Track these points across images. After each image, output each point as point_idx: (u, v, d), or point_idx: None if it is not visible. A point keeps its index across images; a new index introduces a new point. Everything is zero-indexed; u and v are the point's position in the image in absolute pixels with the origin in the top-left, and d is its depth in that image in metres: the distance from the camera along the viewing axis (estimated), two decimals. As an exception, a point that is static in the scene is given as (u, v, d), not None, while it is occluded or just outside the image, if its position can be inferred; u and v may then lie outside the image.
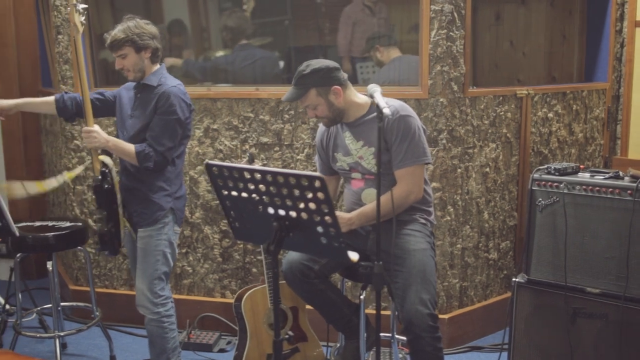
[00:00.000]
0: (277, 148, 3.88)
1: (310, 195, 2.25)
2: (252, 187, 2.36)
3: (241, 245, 4.00)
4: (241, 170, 2.36)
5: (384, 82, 3.92)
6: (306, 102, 2.96)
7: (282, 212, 2.35)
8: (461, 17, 3.59)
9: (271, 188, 2.32)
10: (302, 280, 2.97)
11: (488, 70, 4.71)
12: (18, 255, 3.66)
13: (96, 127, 3.12)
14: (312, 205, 2.27)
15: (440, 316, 3.76)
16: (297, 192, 2.27)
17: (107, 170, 3.13)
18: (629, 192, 3.05)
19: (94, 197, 3.25)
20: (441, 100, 3.62)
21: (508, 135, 3.90)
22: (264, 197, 2.36)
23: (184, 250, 4.09)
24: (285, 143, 3.87)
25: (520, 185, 3.98)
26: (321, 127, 3.17)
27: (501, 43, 4.70)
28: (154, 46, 3.16)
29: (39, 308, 4.06)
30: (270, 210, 2.37)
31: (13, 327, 3.71)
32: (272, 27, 5.10)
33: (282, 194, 2.30)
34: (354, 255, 2.40)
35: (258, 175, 2.33)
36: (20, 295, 3.78)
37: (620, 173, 3.17)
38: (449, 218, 3.74)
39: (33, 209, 4.96)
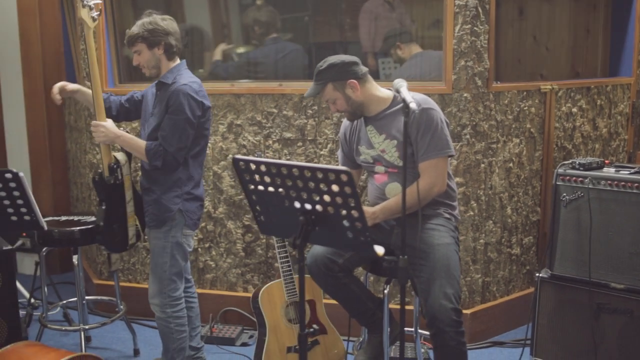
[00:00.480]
0: (300, 143, 3.90)
1: (337, 190, 2.26)
2: (279, 181, 2.37)
3: (264, 240, 4.02)
4: (268, 164, 2.37)
5: (406, 78, 3.92)
6: (325, 96, 3.00)
7: (308, 206, 2.36)
8: (485, 12, 3.58)
9: (298, 182, 2.33)
10: (327, 274, 2.98)
11: (511, 66, 4.69)
12: (44, 249, 3.71)
13: (108, 122, 3.11)
14: (338, 200, 2.28)
15: (463, 311, 3.75)
16: (323, 186, 2.28)
17: (115, 166, 3.13)
18: (655, 187, 3.04)
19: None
20: (465, 95, 3.62)
21: (532, 130, 3.89)
22: (290, 191, 2.37)
23: (207, 245, 4.11)
24: (309, 138, 3.88)
25: (544, 180, 3.97)
26: (345, 121, 3.19)
27: (524, 38, 4.68)
28: (167, 42, 3.12)
29: (64, 302, 4.11)
30: (297, 205, 2.38)
31: (39, 320, 3.76)
32: (293, 23, 5.11)
33: (309, 188, 2.31)
34: (380, 250, 2.41)
35: (285, 170, 2.34)
36: (45, 289, 3.82)
37: (646, 168, 3.16)
38: (472, 213, 3.73)
39: (57, 204, 5.02)
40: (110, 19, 4.21)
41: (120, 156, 3.17)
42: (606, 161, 3.36)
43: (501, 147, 3.78)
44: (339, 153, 3.26)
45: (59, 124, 5.00)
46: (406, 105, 2.51)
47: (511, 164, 3.84)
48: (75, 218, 3.81)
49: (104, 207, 3.18)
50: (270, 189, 2.42)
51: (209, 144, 3.99)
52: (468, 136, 3.65)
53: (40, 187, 4.99)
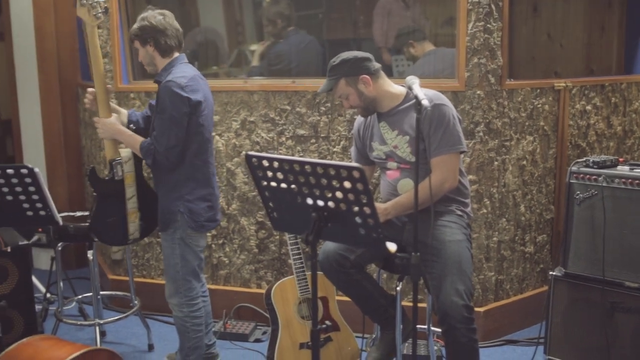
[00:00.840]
0: (313, 140, 3.90)
1: (349, 186, 2.26)
2: (291, 177, 2.38)
3: (277, 237, 4.03)
4: (280, 161, 2.38)
5: (419, 76, 3.92)
6: (338, 92, 3.01)
7: (320, 202, 2.36)
8: (498, 9, 3.57)
9: (310, 179, 2.33)
10: (338, 270, 2.99)
11: (525, 63, 4.67)
12: (59, 244, 3.74)
13: (110, 118, 3.13)
14: (350, 196, 2.29)
15: (476, 309, 3.75)
16: (335, 183, 2.29)
17: (115, 162, 3.13)
18: (670, 185, 3.03)
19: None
20: (478, 92, 3.61)
21: (545, 128, 3.87)
22: (302, 187, 2.38)
23: (220, 242, 4.13)
24: (322, 135, 3.89)
25: (558, 178, 3.95)
26: (359, 118, 3.20)
27: (538, 35, 4.66)
28: (156, 40, 3.07)
29: (79, 297, 4.15)
30: (309, 201, 2.39)
31: (54, 314, 3.79)
32: (307, 21, 5.14)
33: (321, 184, 2.32)
34: (392, 246, 2.41)
35: (297, 166, 2.34)
36: (61, 284, 3.86)
37: (661, 166, 3.14)
38: (485, 211, 3.73)
39: (72, 199, 5.06)
40: (124, 15, 4.23)
41: (124, 153, 3.18)
42: (620, 159, 3.35)
43: (515, 145, 3.77)
44: (353, 149, 3.27)
45: (74, 120, 5.03)
46: (418, 102, 2.52)
47: (525, 162, 3.83)
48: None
49: (95, 201, 3.20)
50: (283, 185, 2.43)
51: (223, 141, 4.01)
52: (481, 134, 3.65)
53: (56, 182, 5.03)
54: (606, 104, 4.12)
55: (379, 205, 2.92)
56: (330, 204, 2.35)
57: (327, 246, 3.03)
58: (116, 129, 3.13)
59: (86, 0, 3.09)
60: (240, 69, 5.12)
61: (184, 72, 3.08)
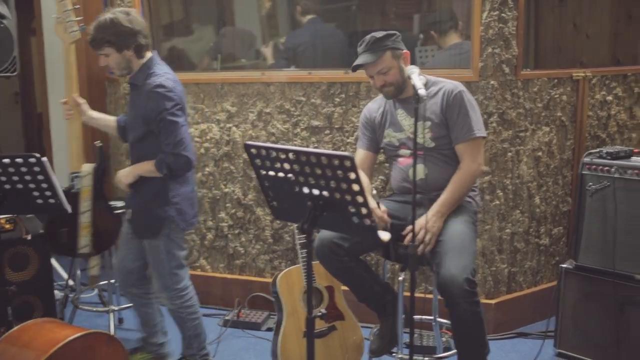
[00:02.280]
0: (327, 131, 3.92)
1: (341, 175, 2.27)
2: (288, 167, 2.40)
3: (291, 227, 4.06)
4: (277, 150, 2.40)
5: (442, 68, 3.88)
6: (381, 65, 2.96)
7: (316, 191, 2.37)
8: (513, -2, 3.53)
9: (305, 168, 2.34)
10: (331, 258, 2.98)
11: (551, 52, 4.60)
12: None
13: (124, 170, 3.12)
14: (343, 185, 2.30)
15: (488, 301, 3.73)
16: (329, 172, 2.30)
17: (73, 175, 3.14)
18: (681, 176, 2.95)
19: None
20: (492, 82, 3.57)
21: (563, 118, 3.81)
22: (299, 176, 2.39)
23: (236, 232, 4.18)
24: (336, 126, 3.90)
25: (575, 170, 3.88)
26: (372, 105, 3.21)
27: (564, 24, 4.58)
28: (135, 43, 2.98)
29: (98, 284, 4.23)
30: (305, 190, 2.40)
31: (72, 301, 3.89)
32: (339, 13, 5.15)
33: (316, 173, 2.33)
34: (384, 235, 2.41)
35: (292, 155, 2.36)
36: (79, 272, 3.95)
37: (675, 158, 3.07)
38: (498, 202, 3.69)
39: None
40: (146, 11, 4.31)
41: (85, 167, 3.22)
42: (635, 150, 3.28)
43: (530, 136, 3.72)
44: (360, 137, 3.25)
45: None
46: (415, 92, 2.53)
47: (540, 153, 3.77)
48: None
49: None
50: (280, 174, 2.45)
51: (239, 132, 4.06)
52: (495, 124, 3.61)
53: (83, 173, 5.14)
54: (629, 94, 4.02)
55: (429, 214, 2.86)
56: (325, 193, 2.36)
57: (323, 234, 3.03)
58: (127, 171, 3.10)
59: (62, 17, 3.04)
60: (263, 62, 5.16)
61: (166, 73, 3.02)
